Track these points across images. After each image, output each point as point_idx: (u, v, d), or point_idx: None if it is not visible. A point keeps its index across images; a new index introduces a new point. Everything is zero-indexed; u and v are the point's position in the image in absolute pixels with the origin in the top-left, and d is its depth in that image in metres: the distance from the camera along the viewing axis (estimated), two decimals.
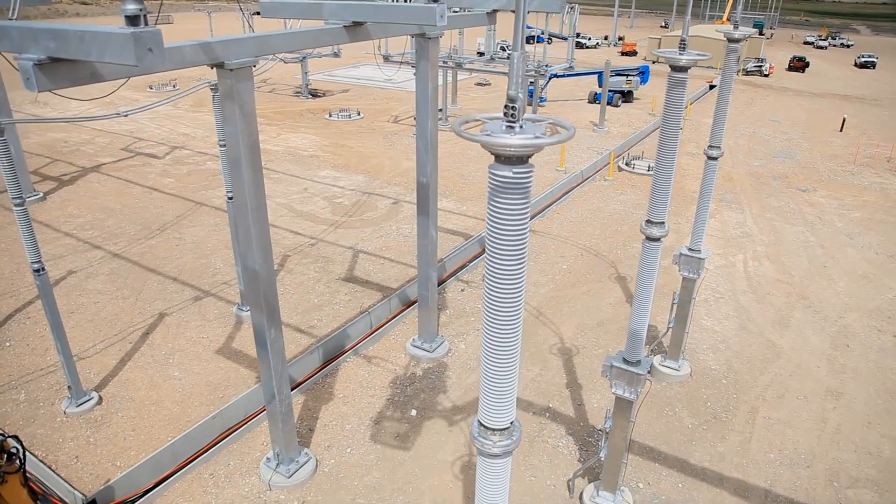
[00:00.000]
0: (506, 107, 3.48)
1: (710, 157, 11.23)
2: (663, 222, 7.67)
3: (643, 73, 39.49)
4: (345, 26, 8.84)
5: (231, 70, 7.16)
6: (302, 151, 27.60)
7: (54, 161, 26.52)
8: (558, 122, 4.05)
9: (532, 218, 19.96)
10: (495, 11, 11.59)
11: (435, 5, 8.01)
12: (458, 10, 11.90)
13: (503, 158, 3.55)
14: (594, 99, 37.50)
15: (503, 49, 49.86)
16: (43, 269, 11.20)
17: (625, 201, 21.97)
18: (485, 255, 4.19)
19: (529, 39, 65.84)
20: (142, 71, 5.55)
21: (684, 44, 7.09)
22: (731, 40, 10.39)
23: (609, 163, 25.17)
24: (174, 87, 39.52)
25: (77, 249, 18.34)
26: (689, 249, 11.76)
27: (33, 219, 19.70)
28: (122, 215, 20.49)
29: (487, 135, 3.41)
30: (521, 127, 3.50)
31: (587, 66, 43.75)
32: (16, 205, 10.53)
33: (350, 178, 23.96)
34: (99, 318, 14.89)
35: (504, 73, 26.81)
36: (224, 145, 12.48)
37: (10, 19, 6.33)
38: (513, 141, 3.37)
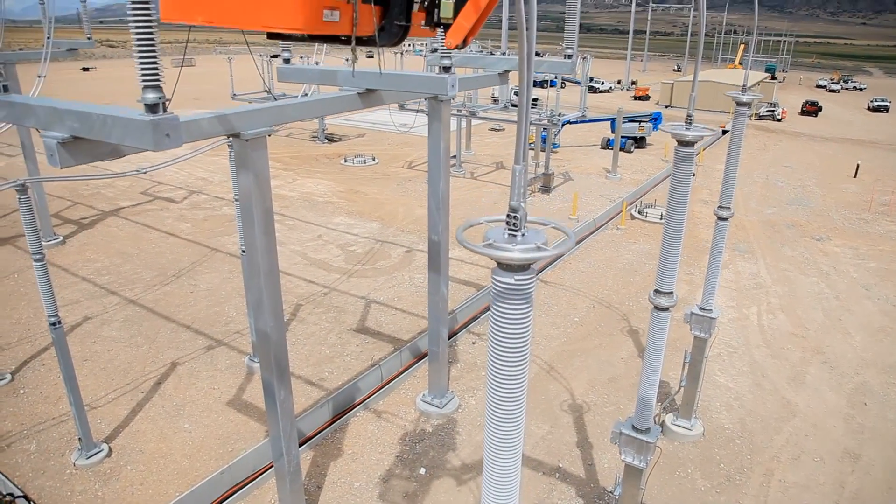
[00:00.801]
0: (508, 215, 3.58)
1: (720, 218, 11.27)
2: (671, 292, 7.69)
3: (655, 120, 39.86)
4: (358, 93, 9.07)
5: (247, 140, 7.36)
6: (317, 197, 27.95)
7: (75, 204, 27.03)
8: (560, 227, 4.12)
9: (545, 268, 20.01)
10: (507, 72, 11.82)
11: (446, 76, 8.21)
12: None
13: (505, 266, 3.63)
14: (607, 145, 37.81)
15: (517, 94, 50.58)
16: (59, 322, 11.36)
17: (637, 251, 21.97)
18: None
19: (543, 84, 66.80)
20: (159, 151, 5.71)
21: (690, 118, 7.21)
22: (739, 104, 10.51)
23: (621, 211, 25.26)
24: None
25: (93, 295, 18.57)
26: (701, 308, 11.72)
27: (52, 263, 20.09)
28: (138, 260, 20.77)
29: (489, 244, 3.49)
30: (523, 235, 3.58)
31: (600, 112, 44.24)
32: (36, 260, 10.75)
33: (364, 226, 24.19)
34: (112, 367, 15.00)
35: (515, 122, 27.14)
36: (238, 200, 12.72)
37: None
38: (514, 254, 3.45)
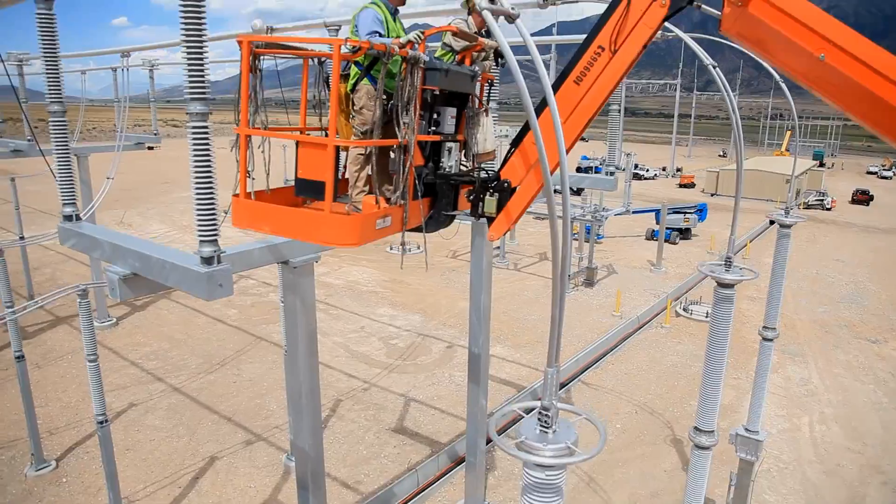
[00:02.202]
0: (540, 413, 3.67)
1: (764, 339, 11.09)
2: (713, 431, 7.55)
3: (701, 211, 39.76)
4: None
5: (295, 267, 7.67)
6: (361, 286, 28.42)
7: None
8: (591, 419, 4.17)
9: (586, 369, 19.77)
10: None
11: None
12: None
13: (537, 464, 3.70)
14: (652, 236, 37.73)
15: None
16: (106, 420, 11.65)
17: (682, 352, 21.55)
18: None
19: (587, 171, 67.57)
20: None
21: (730, 260, 7.25)
22: (782, 226, 10.52)
23: (666, 308, 24.95)
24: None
25: (140, 380, 19.01)
26: (747, 430, 11.38)
27: (103, 345, 20.73)
28: (185, 346, 21.27)
29: (521, 443, 3.58)
30: (553, 432, 3.66)
31: (645, 200, 44.41)
32: (90, 361, 11.16)
33: (406, 318, 24.40)
34: (153, 458, 15.17)
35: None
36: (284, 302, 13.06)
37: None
38: (545, 460, 3.52)
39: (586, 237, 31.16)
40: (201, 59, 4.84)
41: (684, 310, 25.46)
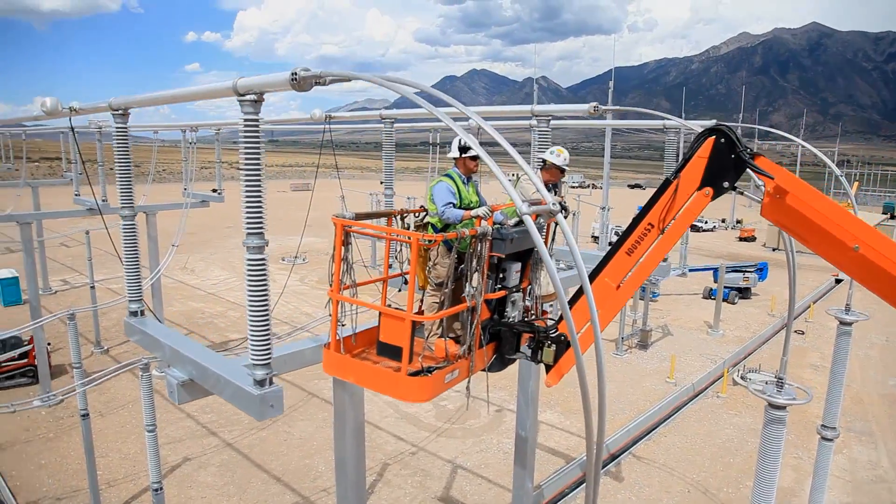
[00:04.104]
0: None
1: (824, 439, 10.69)
2: None
3: (761, 270, 38.62)
4: None
5: None
6: None
7: (190, 333, 28.92)
8: None
9: (638, 441, 19.30)
10: None
11: None
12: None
13: None
14: (709, 295, 36.81)
15: (617, 234, 50.82)
16: (161, 488, 12.01)
17: (739, 425, 20.80)
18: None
19: None
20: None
21: (782, 381, 7.09)
22: (843, 323, 10.21)
23: (723, 376, 24.21)
24: (304, 260, 42.62)
25: (195, 434, 19.48)
26: None
27: (161, 395, 21.39)
28: None
29: None
30: None
31: (702, 254, 43.47)
32: (148, 431, 11.59)
33: None
34: None
35: None
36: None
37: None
38: None
39: (640, 295, 30.66)
40: (259, 198, 5.14)
41: (742, 378, 24.56)
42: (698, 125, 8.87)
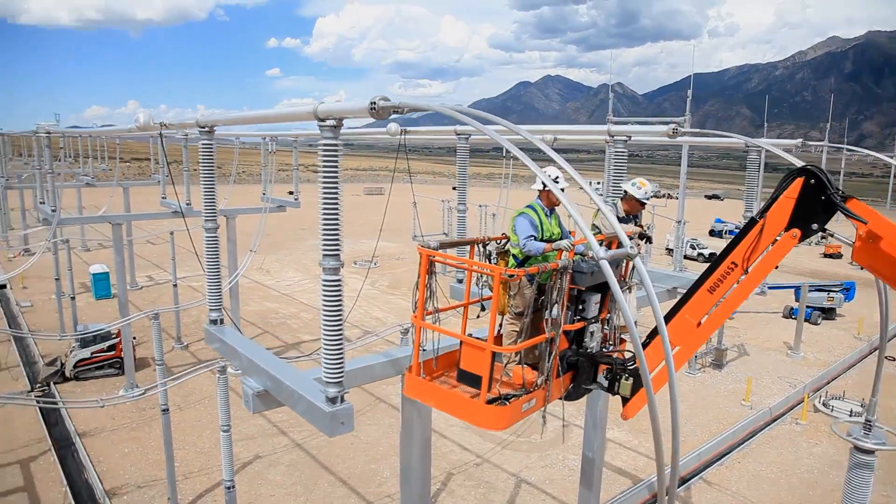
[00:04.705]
0: None
1: None
2: None
3: (848, 290, 36.61)
4: None
5: None
6: None
7: (264, 333, 29.86)
8: None
9: (709, 465, 18.65)
10: (675, 289, 11.79)
11: None
12: None
13: None
14: (790, 314, 35.20)
15: (693, 248, 49.34)
16: (233, 486, 12.46)
17: (818, 455, 19.79)
18: None
19: (720, 234, 64.70)
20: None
21: (870, 424, 6.73)
22: None
23: (803, 402, 23.09)
24: (375, 264, 43.25)
25: (266, 432, 20.07)
26: None
27: (236, 392, 22.17)
28: None
29: None
30: None
31: (783, 270, 41.55)
32: (223, 431, 12.05)
33: None
34: None
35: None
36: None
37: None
38: None
39: None
40: (337, 220, 5.26)
41: (824, 405, 23.42)
42: (782, 147, 8.56)
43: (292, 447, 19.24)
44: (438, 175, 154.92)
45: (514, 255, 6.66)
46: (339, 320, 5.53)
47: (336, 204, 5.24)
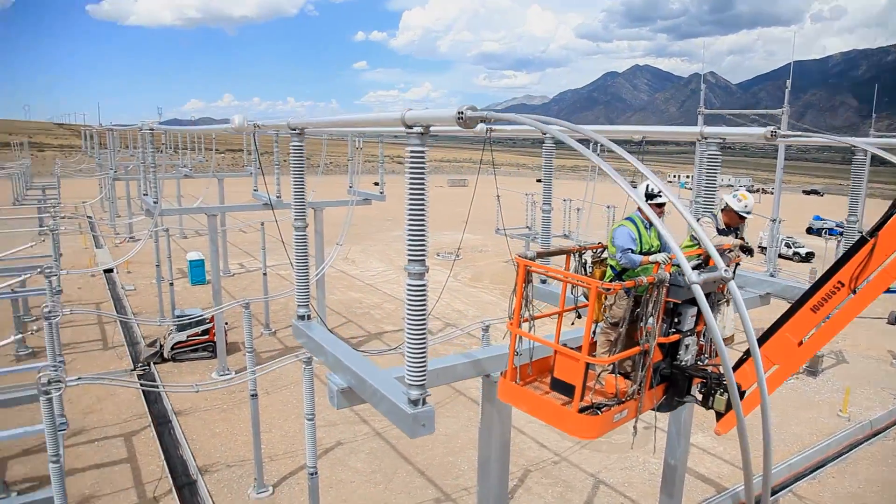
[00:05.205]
0: None
1: None
2: None
3: None
4: None
5: (495, 382, 7.98)
6: None
7: (347, 322, 30.64)
8: None
9: (801, 478, 17.79)
10: (769, 294, 11.31)
11: None
12: None
13: None
14: (895, 321, 33.06)
15: (788, 246, 47.01)
16: (316, 472, 12.90)
17: None
18: None
19: (819, 232, 61.26)
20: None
21: None
22: None
23: None
24: (458, 256, 43.52)
25: (348, 419, 20.61)
26: None
27: (321, 379, 22.91)
28: None
29: None
30: None
31: None
32: (307, 419, 12.49)
33: None
34: (350, 500, 16.39)
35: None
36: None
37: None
38: None
39: None
40: (423, 226, 5.33)
41: None
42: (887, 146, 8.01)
43: (373, 436, 19.68)
44: (522, 167, 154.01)
45: (611, 267, 6.67)
46: (423, 324, 5.61)
47: (422, 210, 5.30)
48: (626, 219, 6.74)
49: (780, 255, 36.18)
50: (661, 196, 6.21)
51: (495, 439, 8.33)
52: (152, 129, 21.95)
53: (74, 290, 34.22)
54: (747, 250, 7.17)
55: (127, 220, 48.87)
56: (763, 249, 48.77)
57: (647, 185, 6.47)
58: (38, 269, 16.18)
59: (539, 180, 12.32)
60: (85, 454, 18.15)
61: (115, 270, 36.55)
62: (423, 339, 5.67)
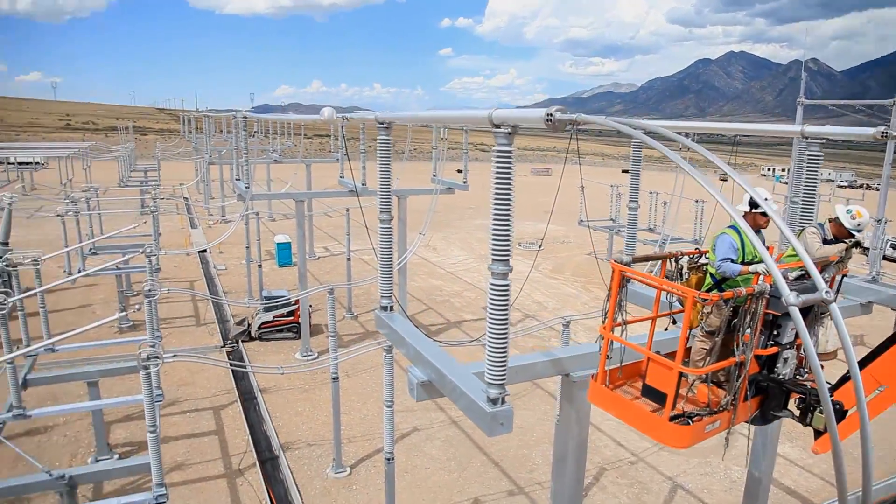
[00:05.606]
0: None
1: None
2: None
3: None
4: None
5: (574, 381, 7.89)
6: None
7: (427, 309, 30.98)
8: None
9: None
10: (870, 303, 10.67)
11: None
12: None
13: None
14: None
15: (894, 248, 43.94)
16: (392, 458, 13.16)
17: None
18: None
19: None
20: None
21: None
22: None
23: None
24: (540, 247, 43.11)
25: (425, 406, 20.85)
26: None
27: (400, 365, 23.33)
28: None
29: None
30: None
31: None
32: (386, 406, 12.75)
33: None
34: (425, 486, 16.63)
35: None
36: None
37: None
38: None
39: None
40: (508, 226, 5.30)
41: None
42: None
43: (449, 423, 19.88)
44: (608, 157, 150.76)
45: (711, 275, 6.55)
46: (506, 324, 5.60)
47: (508, 210, 5.28)
48: (730, 226, 6.54)
49: (885, 257, 33.97)
50: (769, 203, 5.98)
51: (573, 439, 8.26)
52: (245, 118, 22.78)
53: (171, 267, 36.08)
54: (861, 247, 6.83)
55: (220, 202, 51.04)
56: (865, 250, 45.94)
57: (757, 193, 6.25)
58: (140, 250, 17.17)
59: (625, 171, 12.02)
60: (178, 424, 19.21)
61: (208, 251, 38.33)
62: (505, 338, 5.67)
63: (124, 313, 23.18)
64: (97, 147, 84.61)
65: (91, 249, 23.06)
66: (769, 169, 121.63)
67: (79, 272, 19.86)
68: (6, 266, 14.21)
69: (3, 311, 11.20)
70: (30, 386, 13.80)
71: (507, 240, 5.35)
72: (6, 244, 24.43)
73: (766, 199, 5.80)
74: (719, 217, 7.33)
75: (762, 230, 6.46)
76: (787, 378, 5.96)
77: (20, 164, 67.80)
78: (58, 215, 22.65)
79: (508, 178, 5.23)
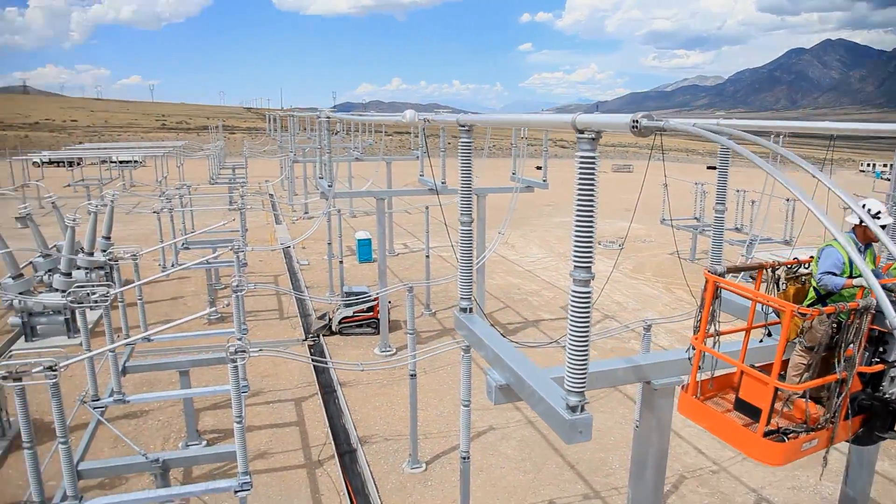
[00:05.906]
0: None
1: None
2: None
3: None
4: None
5: (655, 389, 7.72)
6: None
7: (505, 307, 30.92)
8: None
9: None
10: None
11: None
12: None
13: None
14: None
15: None
16: (468, 457, 13.24)
17: None
18: None
19: None
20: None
21: None
22: None
23: None
24: (620, 246, 42.29)
25: (502, 406, 20.64)
26: None
27: (477, 364, 23.40)
28: None
29: None
30: None
31: None
32: (463, 406, 12.82)
33: None
34: (499, 486, 16.63)
35: None
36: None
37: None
38: None
39: None
40: (591, 233, 5.24)
41: None
42: None
43: (525, 423, 19.80)
44: (692, 153, 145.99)
45: (814, 288, 6.31)
46: (587, 331, 5.55)
47: (591, 216, 5.22)
48: (835, 239, 6.24)
49: None
50: (882, 217, 5.63)
51: (652, 446, 8.08)
52: (329, 118, 23.38)
53: (257, 262, 37.45)
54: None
55: (303, 199, 52.58)
56: None
57: (865, 205, 5.93)
58: (229, 247, 17.93)
59: (710, 167, 11.62)
60: (261, 414, 19.96)
61: (291, 246, 39.58)
62: (586, 345, 5.62)
63: (214, 308, 24.26)
64: (190, 146, 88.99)
65: (184, 244, 24.30)
66: (869, 164, 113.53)
67: (172, 266, 20.94)
68: (109, 260, 15.12)
69: (107, 303, 11.95)
70: (128, 373, 14.68)
71: (591, 246, 5.29)
72: (108, 238, 26.10)
73: (877, 213, 5.47)
74: (813, 218, 6.97)
75: (872, 244, 6.14)
76: (894, 397, 5.64)
77: (121, 162, 71.93)
78: (154, 212, 23.94)
79: (592, 184, 5.17)
